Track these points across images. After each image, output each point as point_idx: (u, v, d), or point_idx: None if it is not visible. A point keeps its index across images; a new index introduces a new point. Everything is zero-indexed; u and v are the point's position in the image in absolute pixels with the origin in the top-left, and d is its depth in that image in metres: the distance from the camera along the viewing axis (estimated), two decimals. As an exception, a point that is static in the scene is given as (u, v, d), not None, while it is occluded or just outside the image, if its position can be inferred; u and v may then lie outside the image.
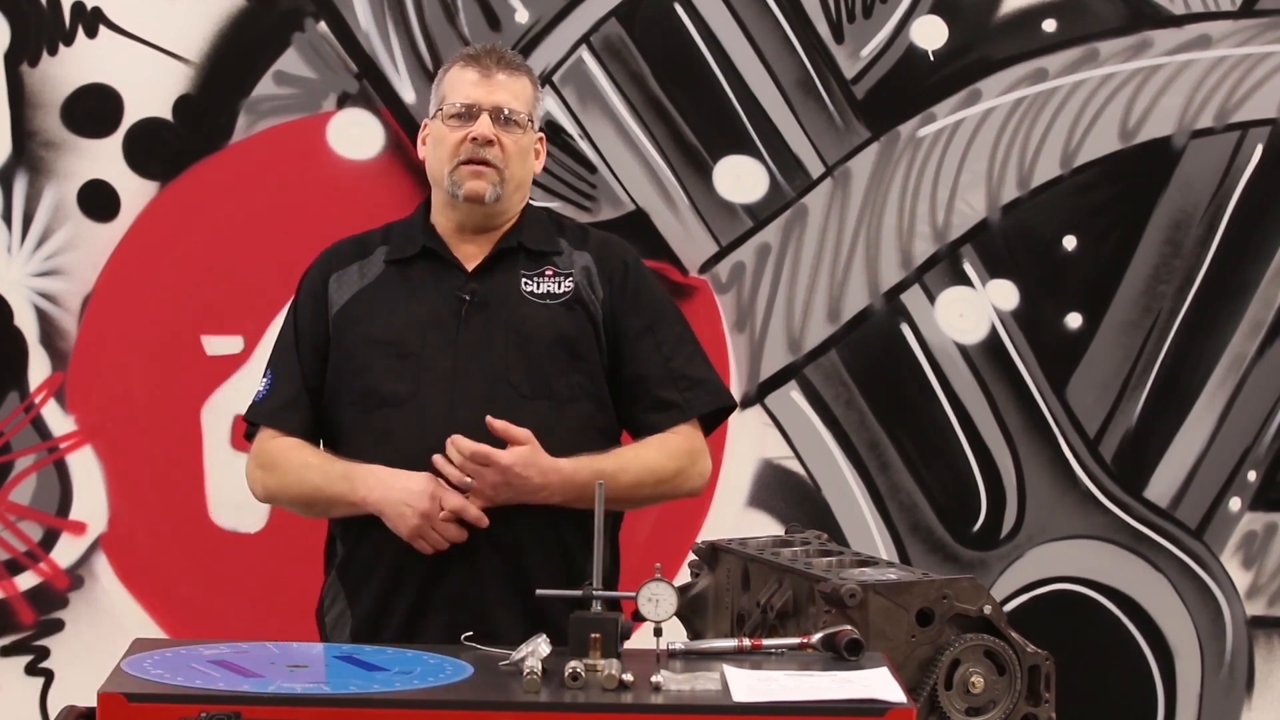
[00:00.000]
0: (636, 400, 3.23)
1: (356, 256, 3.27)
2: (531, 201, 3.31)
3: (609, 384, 3.24)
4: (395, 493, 3.08)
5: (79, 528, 4.45)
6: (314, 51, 4.45)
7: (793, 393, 4.58)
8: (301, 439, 3.22)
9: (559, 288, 3.22)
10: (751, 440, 4.57)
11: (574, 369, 3.19)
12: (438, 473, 3.08)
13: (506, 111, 3.18)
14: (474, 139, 3.15)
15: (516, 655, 2.56)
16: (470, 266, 3.21)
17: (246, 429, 3.31)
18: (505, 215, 3.24)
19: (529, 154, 3.24)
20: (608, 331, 3.22)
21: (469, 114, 3.17)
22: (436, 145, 3.21)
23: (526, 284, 3.21)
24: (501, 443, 3.06)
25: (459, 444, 3.05)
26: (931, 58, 4.58)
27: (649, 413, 3.22)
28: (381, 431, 3.15)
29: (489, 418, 3.05)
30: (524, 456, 3.05)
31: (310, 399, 3.23)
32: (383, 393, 3.16)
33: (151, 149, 4.42)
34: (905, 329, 4.59)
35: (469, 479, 3.05)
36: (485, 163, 3.16)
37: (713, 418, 3.29)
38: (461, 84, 3.20)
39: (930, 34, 4.57)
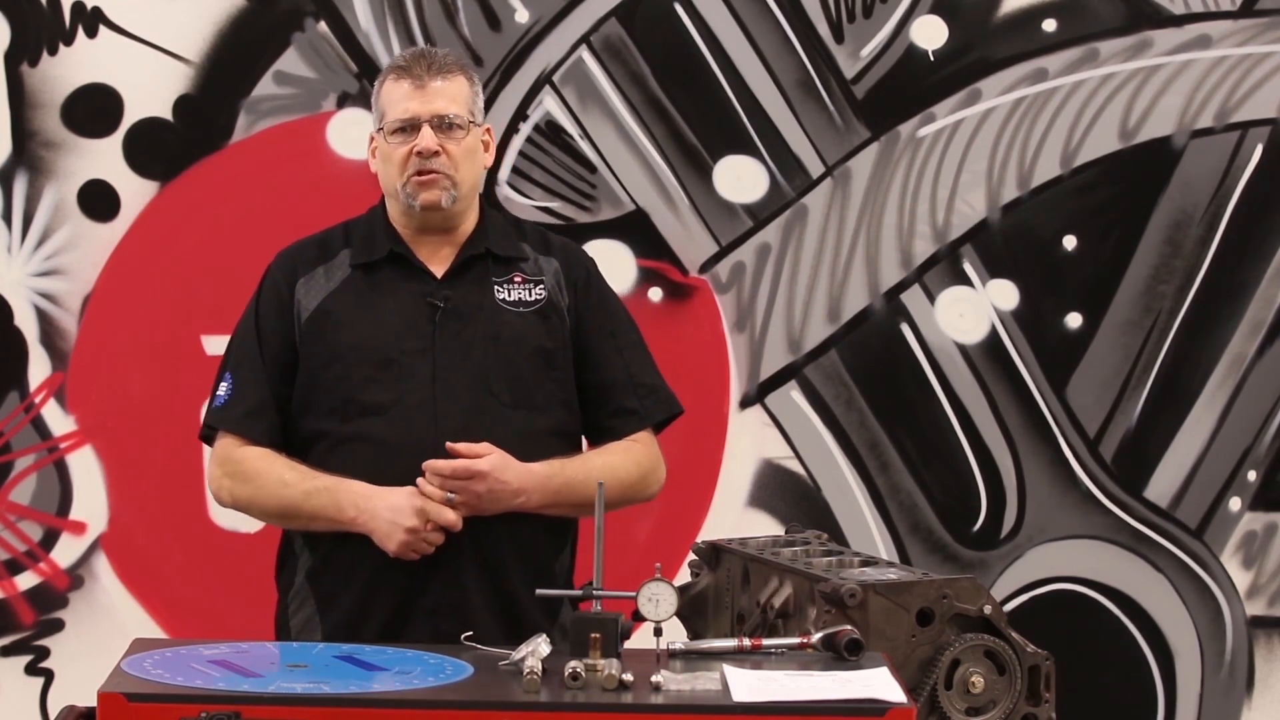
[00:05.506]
0: (600, 406, 3.28)
1: (320, 259, 3.25)
2: (483, 198, 3.32)
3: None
4: (382, 512, 3.09)
5: (79, 528, 4.45)
6: (314, 51, 4.45)
7: (793, 393, 4.58)
8: (269, 448, 3.20)
9: (530, 295, 3.24)
10: (751, 440, 4.57)
11: (549, 378, 3.22)
12: (416, 480, 3.09)
13: (447, 118, 3.18)
14: (419, 153, 3.16)
15: (516, 655, 2.56)
16: (438, 272, 3.22)
17: (203, 430, 3.28)
18: (463, 215, 3.24)
19: (476, 153, 3.23)
20: (573, 337, 3.25)
21: (410, 127, 3.17)
22: (385, 161, 3.22)
23: (499, 291, 3.22)
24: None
25: (437, 467, 3.07)
26: (931, 58, 4.58)
27: (610, 419, 3.27)
28: (363, 440, 3.15)
29: (449, 444, 3.08)
30: (497, 461, 3.09)
31: (276, 406, 3.21)
32: (363, 401, 3.16)
33: (151, 149, 4.43)
34: (905, 329, 4.60)
35: (454, 495, 3.07)
36: (434, 171, 3.17)
37: (663, 423, 3.35)
38: (398, 97, 3.19)
39: (930, 34, 4.57)
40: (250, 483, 3.19)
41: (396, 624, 3.13)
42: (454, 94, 3.20)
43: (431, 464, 3.08)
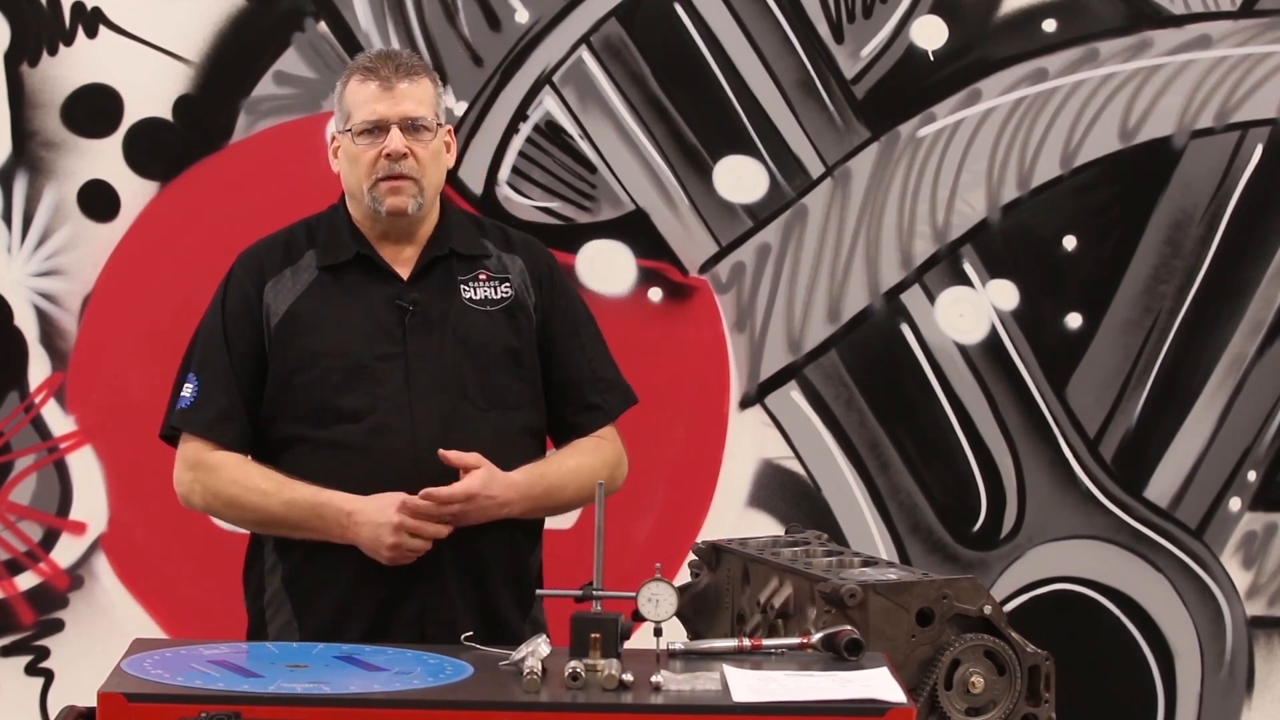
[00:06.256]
0: (566, 403, 3.29)
1: (286, 260, 3.23)
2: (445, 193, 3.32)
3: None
4: (364, 530, 3.08)
5: (79, 528, 4.45)
6: (314, 51, 4.45)
7: (793, 393, 4.58)
8: (240, 452, 3.20)
9: (496, 293, 3.24)
10: (751, 440, 4.57)
11: (519, 377, 3.22)
12: (397, 487, 3.08)
13: (415, 120, 3.17)
14: (388, 155, 3.15)
15: (516, 655, 2.56)
16: (404, 273, 3.21)
17: (166, 430, 3.28)
18: (426, 217, 3.24)
19: (441, 155, 3.23)
20: (538, 334, 3.26)
21: (378, 129, 3.16)
22: (351, 163, 3.20)
23: (465, 290, 3.22)
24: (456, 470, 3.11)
25: (436, 495, 3.06)
26: (931, 58, 4.58)
27: (576, 415, 3.29)
28: (339, 447, 3.14)
29: (441, 451, 3.08)
30: (484, 479, 3.09)
31: (246, 410, 3.20)
32: (339, 407, 3.15)
33: (151, 149, 4.43)
34: (905, 329, 4.59)
35: (446, 524, 3.08)
36: (402, 176, 3.15)
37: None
38: (364, 98, 3.17)
39: (930, 34, 4.57)
40: (225, 491, 3.19)
41: (379, 629, 3.11)
42: (420, 96, 3.19)
43: (430, 493, 3.06)
